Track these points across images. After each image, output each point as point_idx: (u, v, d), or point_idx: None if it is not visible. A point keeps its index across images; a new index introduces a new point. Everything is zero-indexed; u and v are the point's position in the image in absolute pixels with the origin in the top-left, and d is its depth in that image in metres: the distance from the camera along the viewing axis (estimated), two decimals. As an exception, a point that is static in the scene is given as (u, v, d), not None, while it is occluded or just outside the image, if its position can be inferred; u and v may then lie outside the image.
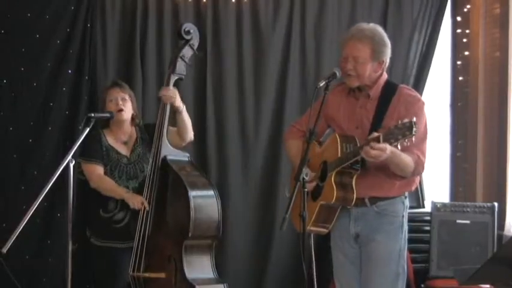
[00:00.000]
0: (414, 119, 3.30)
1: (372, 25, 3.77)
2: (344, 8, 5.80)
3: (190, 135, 4.54)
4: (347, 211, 3.77)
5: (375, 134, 3.45)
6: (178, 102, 4.39)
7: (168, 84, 4.37)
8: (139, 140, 4.56)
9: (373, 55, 3.67)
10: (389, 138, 3.37)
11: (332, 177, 3.64)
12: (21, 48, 5.37)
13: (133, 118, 4.59)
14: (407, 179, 3.71)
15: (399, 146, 3.40)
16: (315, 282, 4.07)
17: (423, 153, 3.65)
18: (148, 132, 4.58)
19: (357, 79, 3.71)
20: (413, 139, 3.34)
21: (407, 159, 3.57)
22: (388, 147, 3.40)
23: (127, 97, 4.53)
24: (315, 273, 4.04)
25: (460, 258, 5.18)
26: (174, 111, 4.40)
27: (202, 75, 5.64)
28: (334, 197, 3.63)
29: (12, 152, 5.36)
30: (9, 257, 4.13)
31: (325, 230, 3.80)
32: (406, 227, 3.81)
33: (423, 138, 3.67)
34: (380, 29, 3.75)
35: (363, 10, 5.81)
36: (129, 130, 4.57)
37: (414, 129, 3.28)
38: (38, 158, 5.34)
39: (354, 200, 3.66)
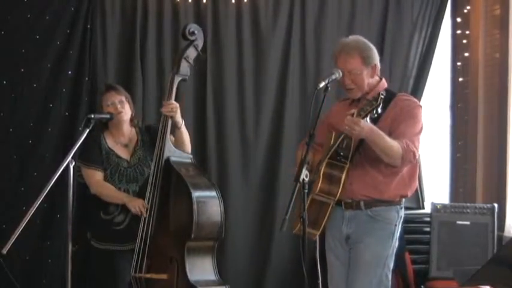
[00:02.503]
0: (383, 92, 3.46)
1: (352, 37, 3.91)
2: (344, 8, 5.81)
3: (187, 149, 4.51)
4: (340, 212, 3.80)
5: (352, 111, 3.58)
6: (178, 117, 4.35)
7: (170, 96, 4.34)
8: (140, 143, 4.54)
9: (364, 62, 3.78)
10: (361, 113, 3.50)
11: (322, 169, 3.68)
12: (21, 49, 5.37)
13: (131, 119, 4.58)
14: (398, 173, 3.74)
15: (368, 120, 3.51)
16: (320, 285, 4.07)
17: (414, 145, 3.69)
18: (149, 134, 4.57)
19: (359, 90, 3.81)
20: (380, 109, 3.47)
21: (392, 143, 3.62)
22: (363, 124, 3.50)
23: (123, 99, 4.50)
24: (320, 276, 4.03)
25: (460, 260, 5.18)
26: (173, 125, 4.37)
27: (202, 75, 5.64)
28: (318, 188, 3.66)
29: (12, 152, 5.36)
30: (9, 258, 4.14)
31: (314, 232, 3.78)
32: (397, 237, 3.84)
33: (417, 133, 3.74)
34: (361, 38, 3.88)
35: (363, 11, 5.82)
36: (128, 132, 4.55)
37: (380, 98, 3.41)
38: (37, 159, 5.34)
39: (338, 194, 3.68)
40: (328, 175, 3.68)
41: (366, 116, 3.51)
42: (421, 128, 3.77)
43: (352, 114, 3.54)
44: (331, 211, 3.75)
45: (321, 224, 3.76)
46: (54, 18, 5.41)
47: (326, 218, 3.75)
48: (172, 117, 4.32)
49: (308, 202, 3.65)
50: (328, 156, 3.68)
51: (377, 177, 3.74)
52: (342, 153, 3.68)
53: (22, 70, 5.37)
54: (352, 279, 3.79)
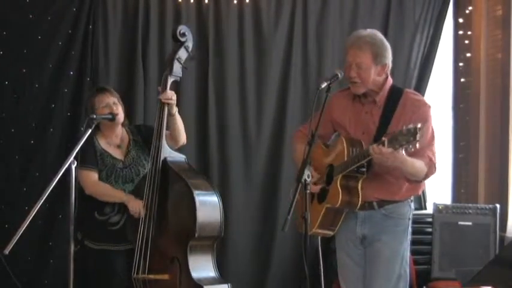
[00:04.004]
0: (419, 125, 3.30)
1: (370, 30, 3.80)
2: (346, 9, 5.81)
3: (183, 138, 4.50)
4: (354, 213, 3.78)
5: (382, 139, 3.46)
6: (174, 105, 4.37)
7: (165, 87, 4.34)
8: (132, 143, 4.52)
9: (375, 60, 3.70)
10: (394, 144, 3.38)
11: (338, 181, 3.66)
12: (23, 50, 5.38)
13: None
14: (418, 182, 3.73)
15: (403, 151, 3.40)
16: (322, 283, 4.07)
17: (434, 154, 3.69)
18: (140, 134, 4.56)
19: (362, 85, 3.74)
20: (418, 144, 3.33)
21: (418, 164, 3.60)
22: (396, 154, 3.41)
23: (116, 100, 4.48)
24: (322, 274, 4.04)
25: (462, 260, 5.18)
26: (169, 114, 4.37)
27: (204, 75, 5.65)
28: (340, 201, 3.65)
29: (14, 153, 5.37)
30: (11, 259, 4.14)
31: (330, 233, 3.81)
32: (410, 230, 3.84)
33: (432, 140, 3.71)
34: (379, 34, 3.80)
35: (365, 11, 5.82)
36: (120, 133, 4.52)
37: (418, 135, 3.28)
38: (39, 160, 5.35)
39: (359, 204, 3.67)
40: (345, 186, 3.66)
41: (401, 148, 3.38)
42: (433, 128, 3.73)
43: (383, 143, 3.43)
44: (346, 213, 3.76)
45: (336, 225, 3.77)
46: (56, 19, 5.42)
47: (342, 219, 3.77)
48: (169, 105, 4.31)
49: (323, 210, 3.68)
50: (349, 170, 3.65)
51: (389, 180, 3.71)
52: (360, 167, 3.66)
53: (24, 70, 5.38)
54: (371, 277, 3.78)
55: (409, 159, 3.53)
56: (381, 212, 3.76)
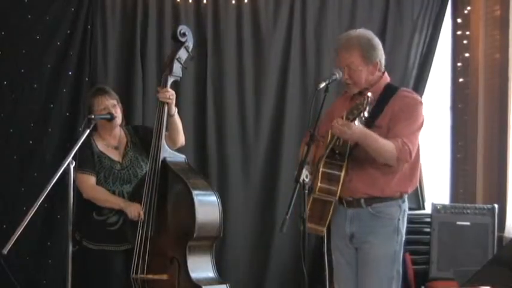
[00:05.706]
0: (369, 94, 3.42)
1: (358, 31, 3.82)
2: (344, 9, 5.81)
3: (182, 139, 4.50)
4: (343, 211, 3.80)
5: (343, 113, 3.56)
6: (172, 105, 4.37)
7: (165, 86, 4.35)
8: (129, 144, 4.51)
9: (364, 60, 3.73)
10: (349, 115, 3.47)
11: (320, 169, 3.68)
12: (22, 50, 5.37)
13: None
14: (398, 171, 3.71)
15: (357, 122, 3.48)
16: (327, 283, 4.07)
17: (411, 143, 3.66)
18: (138, 135, 4.56)
19: (355, 86, 3.78)
20: (367, 113, 3.44)
21: (386, 145, 3.59)
22: (354, 127, 3.48)
23: (115, 102, 4.47)
24: (327, 275, 4.04)
25: (460, 260, 5.18)
26: (168, 114, 4.37)
27: (202, 75, 5.65)
28: (317, 188, 3.66)
29: (12, 153, 5.36)
30: (10, 258, 4.14)
31: (322, 229, 3.79)
32: (402, 231, 3.82)
33: (415, 131, 3.71)
34: (367, 33, 3.80)
35: (363, 11, 5.83)
36: (118, 134, 4.53)
37: (366, 101, 3.38)
38: (38, 160, 5.34)
39: (338, 192, 3.68)
40: (327, 174, 3.68)
41: (354, 119, 3.47)
42: (420, 124, 3.73)
43: (342, 117, 3.52)
44: (334, 207, 3.76)
45: (326, 220, 3.76)
46: (55, 19, 5.41)
47: (330, 214, 3.76)
48: (168, 105, 4.31)
49: (310, 201, 3.67)
50: (326, 155, 3.68)
51: (376, 174, 3.72)
52: (338, 152, 3.68)
53: (22, 70, 5.37)
54: (362, 279, 3.78)
55: (373, 134, 3.56)
56: (368, 210, 3.76)
